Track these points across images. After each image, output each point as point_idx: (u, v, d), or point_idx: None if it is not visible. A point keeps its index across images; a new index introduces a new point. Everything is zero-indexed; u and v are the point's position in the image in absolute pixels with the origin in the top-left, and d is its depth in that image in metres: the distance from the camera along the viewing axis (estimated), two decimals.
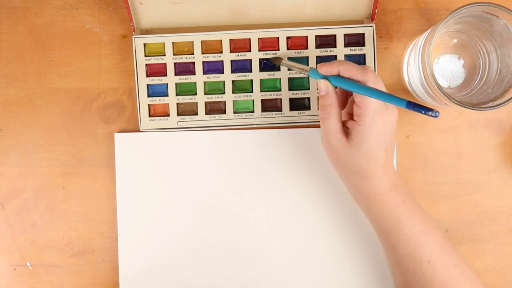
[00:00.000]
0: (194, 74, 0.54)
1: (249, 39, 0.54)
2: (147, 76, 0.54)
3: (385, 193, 0.47)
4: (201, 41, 0.54)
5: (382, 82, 0.46)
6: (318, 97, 0.49)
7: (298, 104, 0.54)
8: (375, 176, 0.47)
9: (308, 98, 0.54)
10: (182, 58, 0.54)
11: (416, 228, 0.47)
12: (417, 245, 0.47)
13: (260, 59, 0.54)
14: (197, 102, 0.54)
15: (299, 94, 0.54)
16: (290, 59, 0.53)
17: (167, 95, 0.54)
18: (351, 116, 0.48)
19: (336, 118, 0.47)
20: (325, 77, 0.47)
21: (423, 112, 0.38)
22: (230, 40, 0.54)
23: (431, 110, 0.38)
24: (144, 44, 0.54)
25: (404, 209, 0.47)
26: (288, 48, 0.54)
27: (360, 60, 0.54)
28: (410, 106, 0.39)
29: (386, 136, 0.46)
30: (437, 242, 0.47)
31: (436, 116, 0.38)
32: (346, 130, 0.47)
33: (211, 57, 0.54)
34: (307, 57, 0.54)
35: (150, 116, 0.54)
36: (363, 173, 0.47)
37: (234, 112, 0.54)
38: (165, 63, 0.54)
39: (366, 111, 0.45)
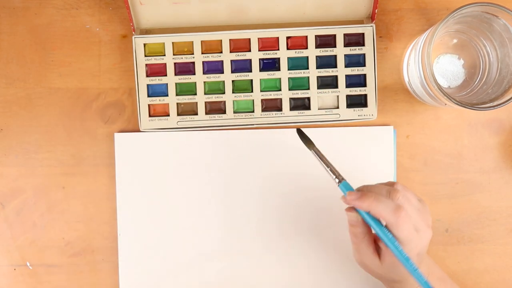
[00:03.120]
0: (194, 74, 0.54)
1: (249, 39, 0.54)
2: (147, 76, 0.54)
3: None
4: (201, 41, 0.54)
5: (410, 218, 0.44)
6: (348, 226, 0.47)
7: (298, 104, 0.54)
8: (410, 277, 0.46)
9: (308, 98, 0.54)
10: (182, 58, 0.54)
11: None
12: None
13: (260, 59, 0.54)
14: (197, 102, 0.54)
15: (299, 94, 0.54)
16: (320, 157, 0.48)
17: (167, 95, 0.54)
18: None
19: (367, 244, 0.46)
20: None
21: None
22: (230, 40, 0.54)
23: None
24: (144, 44, 0.54)
25: None
26: (288, 48, 0.54)
27: (360, 59, 0.54)
28: None
29: (419, 252, 0.45)
30: None
31: None
32: (378, 249, 0.47)
33: (211, 57, 0.54)
34: (307, 57, 0.54)
35: (150, 116, 0.54)
36: (399, 279, 0.47)
37: (234, 112, 0.54)
38: (165, 63, 0.54)
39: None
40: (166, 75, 0.54)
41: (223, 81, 0.54)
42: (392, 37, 0.55)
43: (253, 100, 0.54)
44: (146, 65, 0.54)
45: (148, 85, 0.54)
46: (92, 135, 0.55)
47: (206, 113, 0.54)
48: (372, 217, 0.45)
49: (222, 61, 0.54)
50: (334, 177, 0.47)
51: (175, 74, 0.54)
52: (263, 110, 0.54)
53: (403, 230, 0.44)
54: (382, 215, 0.44)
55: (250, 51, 0.54)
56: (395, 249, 0.44)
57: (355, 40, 0.54)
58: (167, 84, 0.54)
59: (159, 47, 0.54)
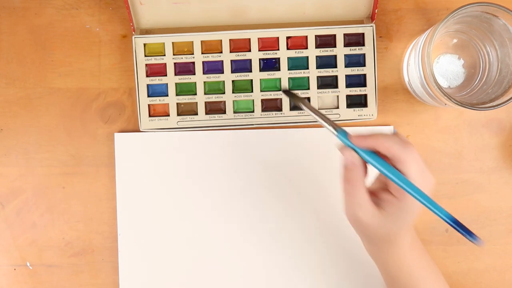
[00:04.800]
0: (194, 74, 0.54)
1: (249, 39, 0.54)
2: (147, 76, 0.54)
3: (405, 252, 0.45)
4: (201, 41, 0.54)
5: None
6: (341, 167, 0.43)
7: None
8: (400, 238, 0.44)
9: (308, 98, 0.54)
10: (182, 58, 0.54)
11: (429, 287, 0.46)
12: None
13: (260, 58, 0.54)
14: (197, 102, 0.54)
15: (299, 94, 0.54)
16: (311, 107, 0.45)
17: (167, 95, 0.54)
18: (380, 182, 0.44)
19: (363, 191, 0.42)
20: (353, 147, 0.42)
21: (466, 235, 0.37)
22: (230, 40, 0.54)
23: (474, 236, 0.37)
24: (144, 44, 0.54)
25: (420, 267, 0.46)
26: (288, 48, 0.54)
27: (360, 59, 0.54)
28: (454, 224, 0.38)
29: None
30: None
31: (480, 244, 0.37)
32: (375, 200, 0.43)
33: (211, 57, 0.54)
34: (307, 57, 0.54)
35: (150, 116, 0.54)
36: (390, 237, 0.43)
37: (234, 112, 0.54)
38: (165, 63, 0.54)
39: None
40: (166, 75, 0.54)
41: (223, 81, 0.54)
42: (392, 37, 0.55)
43: (253, 100, 0.54)
44: (146, 65, 0.54)
45: (148, 85, 0.54)
46: (92, 135, 0.55)
47: (206, 113, 0.54)
48: (375, 156, 0.41)
49: (222, 61, 0.54)
50: (331, 127, 0.42)
51: (175, 74, 0.54)
52: (263, 110, 0.54)
53: (412, 167, 0.40)
54: (391, 149, 0.40)
55: (250, 51, 0.54)
56: (409, 185, 0.39)
57: (355, 40, 0.54)
58: (167, 84, 0.54)
59: (159, 47, 0.54)
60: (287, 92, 0.47)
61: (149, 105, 0.54)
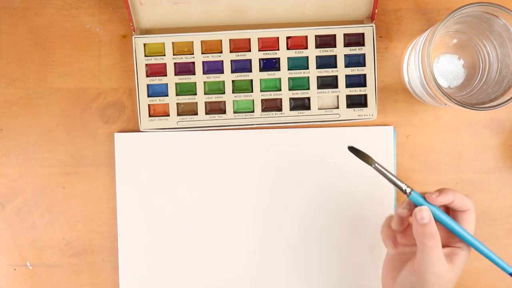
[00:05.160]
0: (194, 74, 0.54)
1: (249, 39, 0.54)
2: (147, 76, 0.54)
3: None
4: (201, 41, 0.54)
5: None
6: (415, 224, 0.44)
7: (298, 104, 0.54)
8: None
9: (308, 98, 0.54)
10: (182, 58, 0.54)
11: None
12: None
13: (260, 58, 0.54)
14: (197, 102, 0.54)
15: (299, 94, 0.54)
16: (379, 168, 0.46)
17: (167, 95, 0.54)
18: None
19: (441, 247, 0.44)
20: (425, 204, 0.45)
21: None
22: (230, 40, 0.54)
23: None
24: (144, 44, 0.54)
25: None
26: (288, 48, 0.54)
27: (360, 59, 0.54)
28: None
29: None
30: None
31: None
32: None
33: (211, 57, 0.54)
34: (307, 57, 0.54)
35: (150, 116, 0.54)
36: (453, 285, 0.46)
37: (234, 112, 0.54)
38: (165, 63, 0.54)
39: (467, 245, 0.46)
40: (166, 75, 0.54)
41: (223, 81, 0.54)
42: (392, 37, 0.55)
43: (253, 100, 0.54)
44: (146, 65, 0.54)
45: (148, 85, 0.54)
46: (92, 135, 0.55)
47: (206, 113, 0.54)
48: (443, 213, 0.45)
49: (222, 61, 0.54)
50: (404, 188, 0.45)
51: (175, 74, 0.54)
52: (263, 110, 0.54)
53: (473, 218, 0.45)
54: (464, 201, 0.44)
55: (250, 51, 0.54)
56: (478, 243, 0.45)
57: (355, 40, 0.54)
58: (167, 84, 0.54)
59: (159, 47, 0.54)
60: (353, 149, 0.47)
61: (149, 105, 0.54)
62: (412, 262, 0.45)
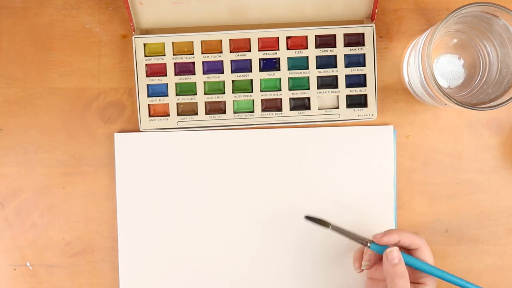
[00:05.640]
0: (194, 74, 0.54)
1: (249, 39, 0.54)
2: (147, 76, 0.54)
3: None
4: (201, 41, 0.54)
5: None
6: (386, 264, 0.47)
7: (298, 104, 0.54)
8: None
9: (308, 98, 0.54)
10: (182, 58, 0.54)
11: None
12: None
13: (260, 58, 0.54)
14: (197, 102, 0.54)
15: (299, 94, 0.54)
16: (336, 228, 0.50)
17: (167, 95, 0.54)
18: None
19: (409, 285, 0.46)
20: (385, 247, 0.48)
21: None
22: (230, 40, 0.54)
23: None
24: (144, 44, 0.54)
25: None
26: (288, 48, 0.54)
27: (360, 60, 0.54)
28: None
29: None
30: None
31: None
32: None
33: (211, 57, 0.54)
34: (307, 57, 0.54)
35: (150, 116, 0.54)
36: None
37: (234, 112, 0.54)
38: (165, 63, 0.54)
39: (433, 279, 0.48)
40: (166, 75, 0.54)
41: (223, 81, 0.54)
42: (392, 37, 0.55)
43: (253, 100, 0.54)
44: (146, 65, 0.54)
45: (148, 85, 0.54)
46: (92, 135, 0.55)
47: (206, 113, 0.54)
48: (405, 254, 0.47)
49: (222, 61, 0.54)
50: (363, 242, 0.48)
51: (175, 74, 0.54)
52: (263, 110, 0.54)
53: (429, 252, 0.47)
54: (412, 239, 0.47)
55: (250, 51, 0.54)
56: (448, 275, 0.47)
57: (355, 40, 0.54)
58: (167, 84, 0.54)
59: (159, 47, 0.54)
60: (310, 218, 0.51)
61: (149, 105, 0.54)
62: None
